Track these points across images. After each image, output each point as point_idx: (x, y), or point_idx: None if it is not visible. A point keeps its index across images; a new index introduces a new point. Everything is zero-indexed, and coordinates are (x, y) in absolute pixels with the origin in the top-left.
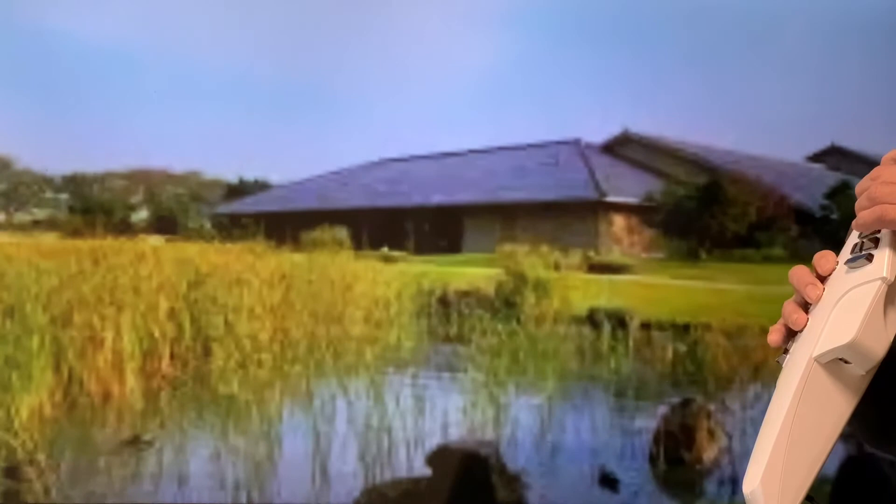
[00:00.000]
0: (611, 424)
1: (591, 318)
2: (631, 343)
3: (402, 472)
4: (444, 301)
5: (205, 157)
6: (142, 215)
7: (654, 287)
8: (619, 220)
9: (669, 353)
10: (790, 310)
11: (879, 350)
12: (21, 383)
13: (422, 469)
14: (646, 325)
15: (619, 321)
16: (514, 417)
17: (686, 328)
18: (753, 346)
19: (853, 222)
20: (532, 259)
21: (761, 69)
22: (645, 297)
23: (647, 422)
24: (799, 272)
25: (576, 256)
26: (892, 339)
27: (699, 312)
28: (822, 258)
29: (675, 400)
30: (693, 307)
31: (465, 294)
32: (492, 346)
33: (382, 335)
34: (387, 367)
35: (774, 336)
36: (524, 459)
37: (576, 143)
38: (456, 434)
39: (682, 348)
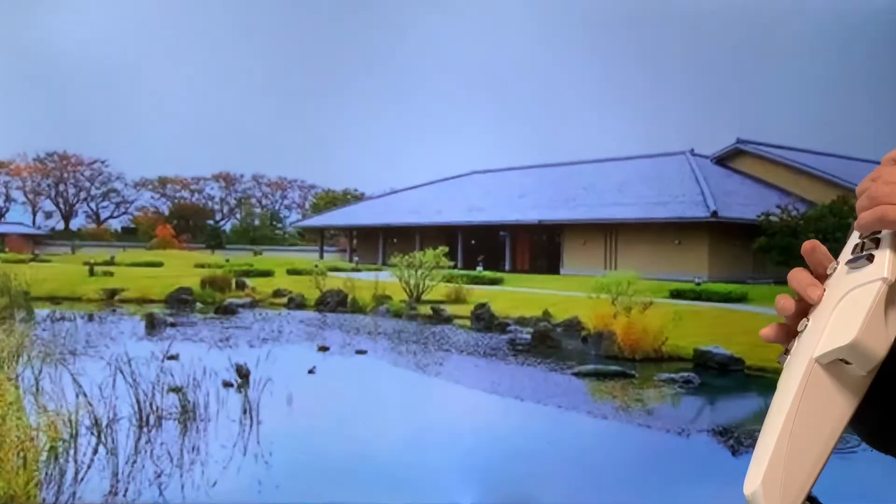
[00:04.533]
0: None
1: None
2: None
3: None
4: None
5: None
6: None
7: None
8: (729, 240)
9: None
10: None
11: (880, 350)
12: None
13: None
14: None
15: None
16: None
17: None
18: None
19: (854, 223)
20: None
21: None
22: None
23: None
24: (798, 275)
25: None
26: (892, 339)
27: None
28: (813, 251)
29: None
30: None
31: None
32: None
33: None
34: None
35: (767, 331)
36: None
37: (685, 155)
38: None
39: None
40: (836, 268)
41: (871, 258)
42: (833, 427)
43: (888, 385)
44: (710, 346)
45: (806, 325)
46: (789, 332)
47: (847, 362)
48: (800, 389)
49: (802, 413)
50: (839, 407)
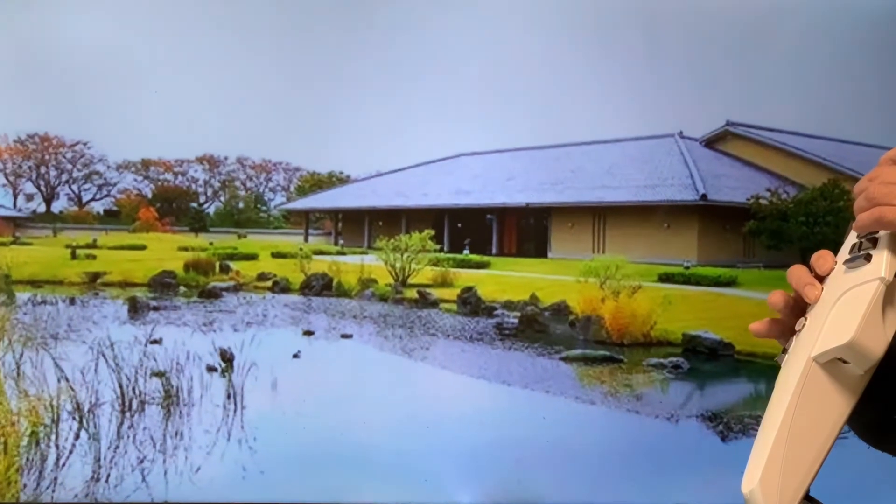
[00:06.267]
0: None
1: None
2: None
3: None
4: None
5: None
6: None
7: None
8: (719, 223)
9: None
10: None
11: (878, 350)
12: None
13: None
14: None
15: None
16: None
17: None
18: None
19: (853, 223)
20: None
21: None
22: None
23: None
24: (797, 272)
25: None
26: (890, 338)
27: None
28: (821, 258)
29: None
30: None
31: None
32: None
33: None
34: None
35: (758, 326)
36: None
37: (675, 137)
38: None
39: None
40: (804, 324)
41: (868, 258)
42: (831, 425)
43: (885, 382)
44: (699, 330)
45: (804, 325)
46: (783, 328)
47: (845, 361)
48: (798, 388)
49: (800, 412)
50: (837, 405)
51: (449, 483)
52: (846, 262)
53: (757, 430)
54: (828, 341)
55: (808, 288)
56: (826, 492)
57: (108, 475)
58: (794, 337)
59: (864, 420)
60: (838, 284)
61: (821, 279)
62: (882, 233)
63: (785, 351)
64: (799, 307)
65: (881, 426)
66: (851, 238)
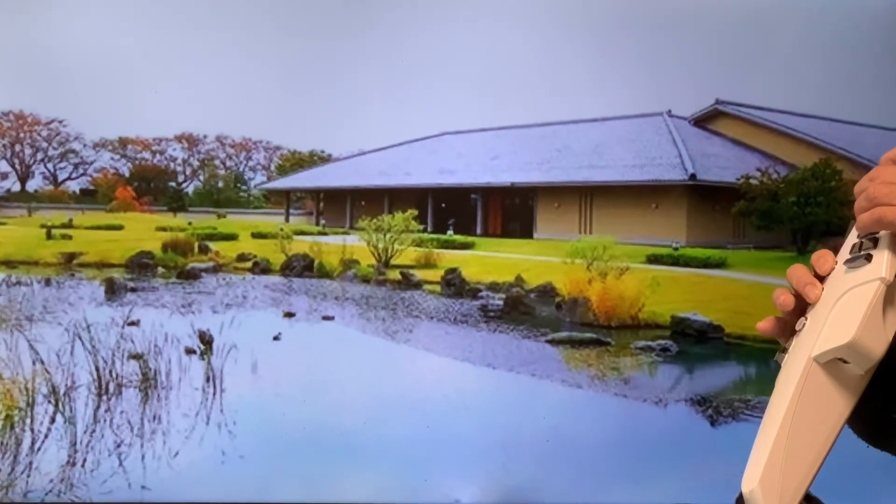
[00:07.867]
0: None
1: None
2: None
3: None
4: None
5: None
6: None
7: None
8: (708, 203)
9: None
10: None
11: (878, 350)
12: None
13: None
14: None
15: None
16: None
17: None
18: None
19: (853, 223)
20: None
21: None
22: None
23: None
24: (798, 271)
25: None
26: (890, 338)
27: None
28: (821, 258)
29: None
30: None
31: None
32: None
33: None
34: None
35: (764, 325)
36: None
37: (663, 116)
38: None
39: None
40: (805, 324)
41: (869, 258)
42: (831, 426)
43: (885, 382)
44: (688, 312)
45: (804, 324)
46: (787, 327)
47: (845, 361)
48: (798, 388)
49: (800, 412)
50: (837, 405)
51: (432, 466)
52: (846, 262)
53: (746, 415)
54: (828, 341)
55: (809, 288)
56: (826, 491)
57: (85, 460)
58: (795, 337)
59: (863, 420)
60: (839, 284)
61: (821, 279)
62: (883, 233)
63: (785, 350)
64: (799, 306)
65: (881, 426)
66: (852, 237)
